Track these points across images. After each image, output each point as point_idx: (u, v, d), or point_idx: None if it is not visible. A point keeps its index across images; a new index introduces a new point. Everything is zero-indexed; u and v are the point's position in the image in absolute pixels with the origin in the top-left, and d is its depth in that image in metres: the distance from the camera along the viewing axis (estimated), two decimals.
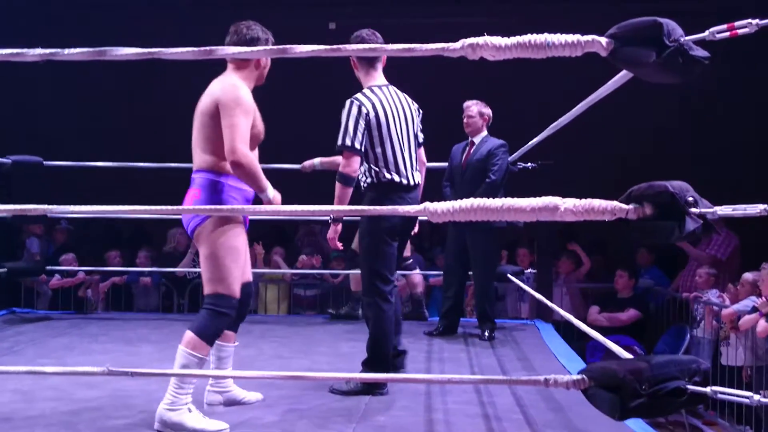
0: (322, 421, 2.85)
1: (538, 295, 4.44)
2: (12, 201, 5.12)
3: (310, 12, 11.46)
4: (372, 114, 3.29)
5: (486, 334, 4.74)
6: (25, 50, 1.80)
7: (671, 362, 1.61)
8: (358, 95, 3.33)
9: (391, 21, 10.69)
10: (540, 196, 1.67)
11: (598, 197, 1.66)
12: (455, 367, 3.96)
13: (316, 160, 5.19)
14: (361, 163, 3.33)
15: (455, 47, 1.70)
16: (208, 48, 1.78)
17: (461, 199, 1.72)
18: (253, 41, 2.81)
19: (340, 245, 3.49)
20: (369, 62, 3.38)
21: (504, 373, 3.74)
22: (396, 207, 1.77)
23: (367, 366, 3.37)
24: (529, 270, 5.89)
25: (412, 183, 3.42)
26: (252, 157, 2.75)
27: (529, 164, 5.30)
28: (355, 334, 4.91)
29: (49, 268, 6.21)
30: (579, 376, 1.66)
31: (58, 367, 1.88)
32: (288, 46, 1.78)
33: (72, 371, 1.99)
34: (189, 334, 2.73)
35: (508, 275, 5.32)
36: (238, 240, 2.80)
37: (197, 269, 5.93)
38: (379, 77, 3.42)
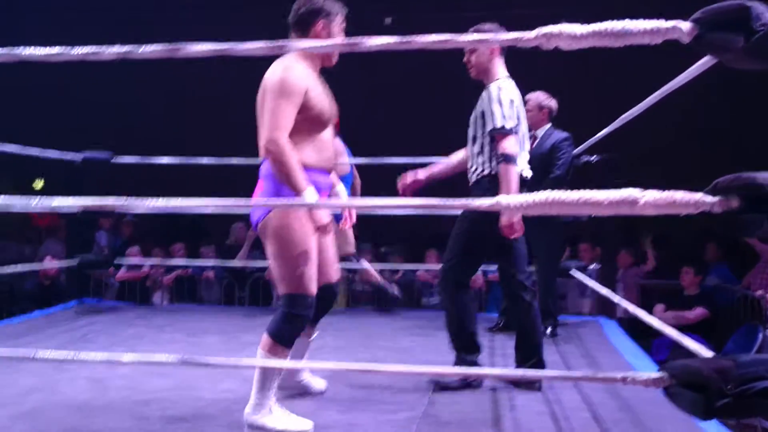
0: (388, 414, 2.85)
1: (604, 291, 4.34)
2: (83, 195, 5.34)
3: (365, 6, 11.51)
4: (516, 103, 3.32)
5: (548, 330, 4.66)
6: (102, 48, 1.84)
7: (758, 361, 1.54)
8: (503, 82, 3.32)
9: (447, 15, 10.67)
10: (600, 189, 1.61)
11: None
12: None
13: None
14: (481, 152, 3.32)
15: (530, 37, 1.66)
16: (279, 43, 1.77)
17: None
18: (312, 14, 2.70)
19: (518, 232, 3.23)
20: (502, 52, 3.39)
21: (569, 370, 3.66)
22: (468, 200, 1.74)
23: (526, 361, 3.33)
24: (592, 266, 5.76)
25: (528, 178, 3.43)
26: (287, 148, 2.53)
27: (593, 157, 5.17)
28: (413, 329, 4.92)
29: (116, 261, 6.40)
30: (659, 374, 1.61)
31: (133, 355, 1.92)
32: (358, 39, 1.76)
33: (147, 360, 2.03)
34: (265, 337, 2.63)
35: (572, 271, 5.21)
36: (305, 235, 2.61)
37: (256, 263, 6.03)
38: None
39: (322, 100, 2.70)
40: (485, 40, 1.70)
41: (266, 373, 2.57)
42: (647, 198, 1.56)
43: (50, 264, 6.36)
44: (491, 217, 3.12)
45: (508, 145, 3.21)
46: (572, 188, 1.63)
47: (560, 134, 4.79)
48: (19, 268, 5.62)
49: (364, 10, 11.01)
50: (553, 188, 1.67)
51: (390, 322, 5.25)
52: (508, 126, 3.23)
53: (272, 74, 2.61)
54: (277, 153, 2.52)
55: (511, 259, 3.36)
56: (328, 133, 2.75)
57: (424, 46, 1.51)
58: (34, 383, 3.27)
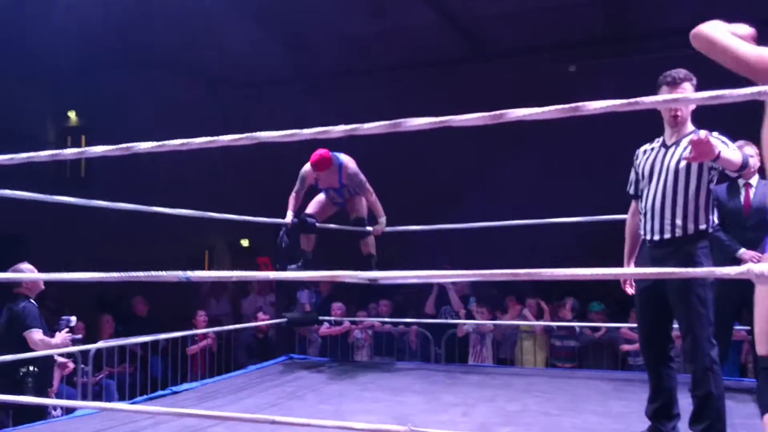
0: None
1: None
2: (290, 261, 5.71)
3: (549, 56, 11.43)
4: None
5: None
6: (330, 128, 1.96)
7: None
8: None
9: (630, 59, 10.29)
10: None
11: None
12: None
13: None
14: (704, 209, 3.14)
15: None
16: (633, 100, 1.69)
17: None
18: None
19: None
20: None
21: None
22: (713, 269, 1.60)
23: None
24: None
25: None
26: None
27: None
28: (624, 392, 4.61)
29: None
30: None
31: (362, 424, 1.95)
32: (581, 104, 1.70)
33: (376, 429, 2.05)
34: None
35: None
36: None
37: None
38: None
39: None
40: (719, 95, 1.56)
41: None
42: None
43: (264, 322, 6.85)
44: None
45: None
46: None
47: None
48: (239, 326, 6.07)
49: (547, 59, 10.96)
50: None
51: (595, 384, 4.97)
52: None
53: None
54: None
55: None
56: None
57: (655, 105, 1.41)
58: None
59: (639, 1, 9.33)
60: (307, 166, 5.27)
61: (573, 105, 1.63)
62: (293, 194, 5.33)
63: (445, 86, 10.69)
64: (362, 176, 5.32)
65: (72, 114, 13.76)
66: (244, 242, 14.76)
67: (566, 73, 11.25)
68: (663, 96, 2.87)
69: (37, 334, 4.69)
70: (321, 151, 5.06)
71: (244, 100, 11.94)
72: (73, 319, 4.78)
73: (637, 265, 3.32)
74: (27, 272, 4.58)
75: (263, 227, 5.82)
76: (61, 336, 4.75)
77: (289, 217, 5.24)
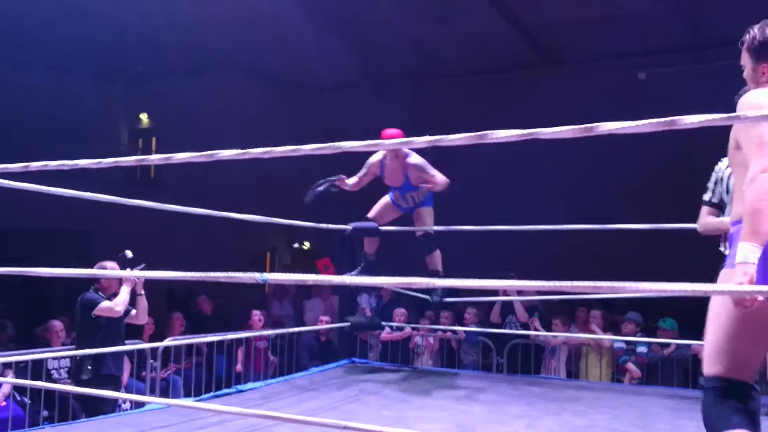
0: None
1: None
2: (352, 264, 5.74)
3: (618, 63, 11.21)
4: None
5: None
6: (414, 138, 1.96)
7: None
8: None
9: (702, 66, 9.99)
10: None
11: None
12: None
13: None
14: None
15: None
16: (733, 115, 1.67)
17: None
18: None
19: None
20: None
21: None
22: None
23: None
24: None
25: None
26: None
27: None
28: (696, 411, 4.30)
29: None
30: None
31: None
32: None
33: None
34: None
35: None
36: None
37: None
38: None
39: None
40: None
41: None
42: None
43: (327, 326, 6.91)
44: None
45: None
46: None
47: None
48: (302, 329, 6.13)
49: (617, 66, 10.76)
50: None
51: (665, 401, 4.82)
52: None
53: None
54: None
55: None
56: None
57: None
58: None
59: (715, 8, 9.05)
60: (374, 157, 5.24)
61: (668, 119, 1.59)
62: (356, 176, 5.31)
63: (513, 93, 10.59)
64: (430, 168, 5.11)
65: (144, 116, 14.19)
66: (306, 244, 14.95)
67: (635, 80, 11.03)
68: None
69: (104, 303, 4.82)
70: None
71: (313, 106, 12.09)
72: (129, 252, 4.82)
73: None
74: (110, 270, 4.73)
75: (325, 230, 5.88)
76: (126, 272, 4.77)
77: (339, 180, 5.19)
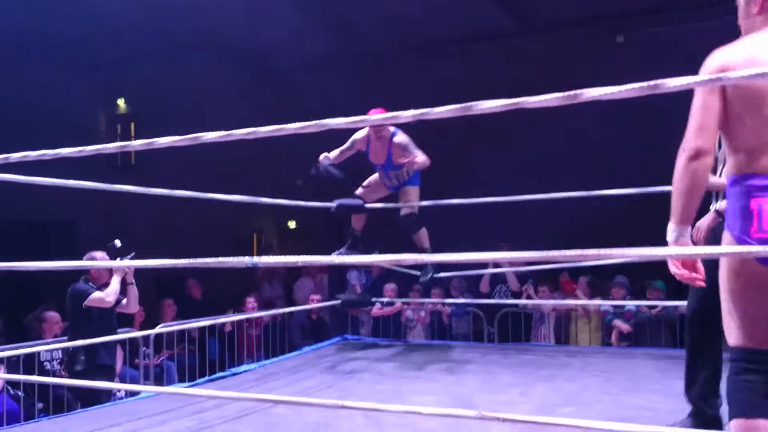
0: None
1: None
2: (341, 241, 5.74)
3: (596, 27, 11.18)
4: None
5: None
6: (399, 112, 1.95)
7: None
8: None
9: (677, 27, 9.99)
10: None
11: None
12: None
13: None
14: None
15: None
16: (651, 83, 1.64)
17: None
18: None
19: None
20: None
21: None
22: None
23: None
24: None
25: None
26: (686, 161, 2.04)
27: None
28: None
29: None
30: None
31: (432, 408, 1.96)
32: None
33: (445, 413, 2.07)
34: None
35: None
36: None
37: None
38: None
39: None
40: None
41: None
42: None
43: (318, 304, 6.92)
44: None
45: None
46: None
47: None
48: (293, 308, 6.14)
49: (595, 29, 10.71)
50: None
51: (654, 362, 4.90)
52: None
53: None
54: (677, 167, 2.10)
55: None
56: None
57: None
58: (318, 419, 3.50)
59: None
60: (360, 133, 5.19)
61: (653, 83, 1.59)
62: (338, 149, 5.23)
63: (492, 61, 10.54)
64: (413, 146, 5.07)
65: (121, 102, 14.00)
66: (291, 224, 14.90)
67: (614, 44, 11.01)
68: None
69: (95, 294, 4.81)
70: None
71: (290, 85, 11.98)
72: (118, 242, 4.81)
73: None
74: (99, 260, 4.70)
75: (310, 209, 5.85)
76: (116, 262, 4.75)
77: (323, 157, 5.13)
